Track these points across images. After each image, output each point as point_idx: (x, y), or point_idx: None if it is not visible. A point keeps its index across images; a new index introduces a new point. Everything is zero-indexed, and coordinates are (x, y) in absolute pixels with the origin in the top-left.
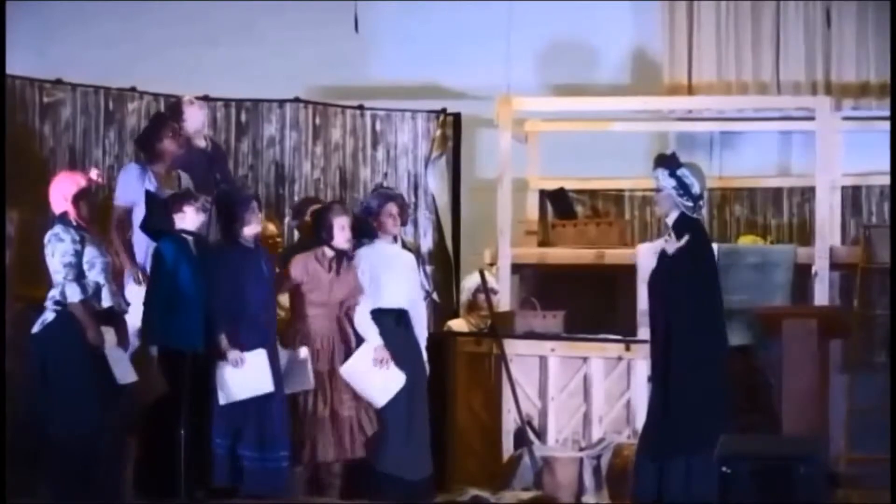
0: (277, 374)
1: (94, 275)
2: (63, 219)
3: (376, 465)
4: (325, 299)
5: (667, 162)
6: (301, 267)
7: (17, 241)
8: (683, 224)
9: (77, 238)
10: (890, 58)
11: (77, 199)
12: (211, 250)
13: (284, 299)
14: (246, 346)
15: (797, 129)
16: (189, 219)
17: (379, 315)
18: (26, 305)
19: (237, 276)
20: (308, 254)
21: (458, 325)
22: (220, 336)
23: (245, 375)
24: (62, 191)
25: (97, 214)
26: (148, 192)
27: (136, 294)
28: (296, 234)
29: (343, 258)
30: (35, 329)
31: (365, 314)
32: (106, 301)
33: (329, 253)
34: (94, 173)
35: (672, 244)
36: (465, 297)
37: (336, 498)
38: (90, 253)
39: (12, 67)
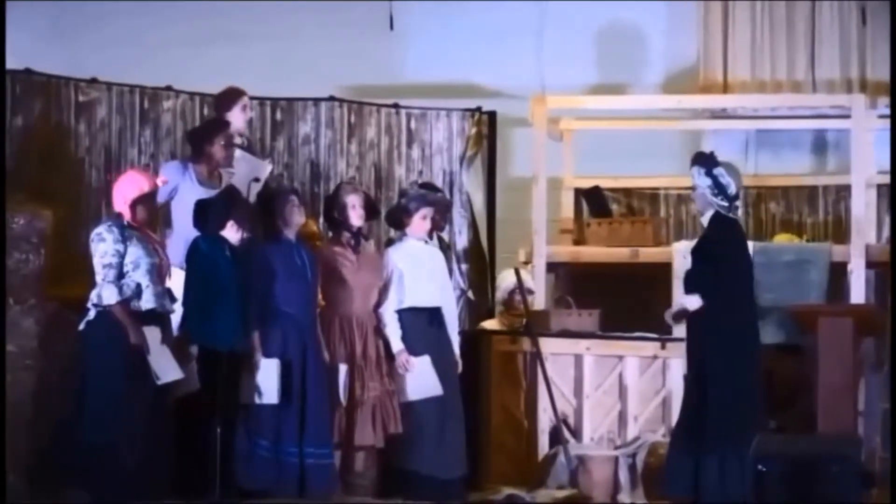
0: (320, 374)
1: (138, 275)
2: (113, 218)
3: (410, 464)
4: (353, 280)
5: (703, 161)
6: (328, 247)
7: (51, 240)
8: (718, 223)
9: (120, 238)
10: (890, 57)
11: (136, 202)
12: (256, 247)
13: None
14: (283, 344)
15: (832, 127)
16: (236, 235)
17: (411, 314)
18: (60, 305)
19: (283, 269)
20: (328, 241)
21: (491, 326)
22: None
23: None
24: (123, 192)
25: (155, 218)
26: (231, 187)
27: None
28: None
29: (360, 237)
30: (81, 327)
31: (390, 316)
32: (148, 303)
33: (346, 234)
34: (159, 180)
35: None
36: (500, 296)
37: (370, 497)
38: (134, 253)
39: (43, 65)
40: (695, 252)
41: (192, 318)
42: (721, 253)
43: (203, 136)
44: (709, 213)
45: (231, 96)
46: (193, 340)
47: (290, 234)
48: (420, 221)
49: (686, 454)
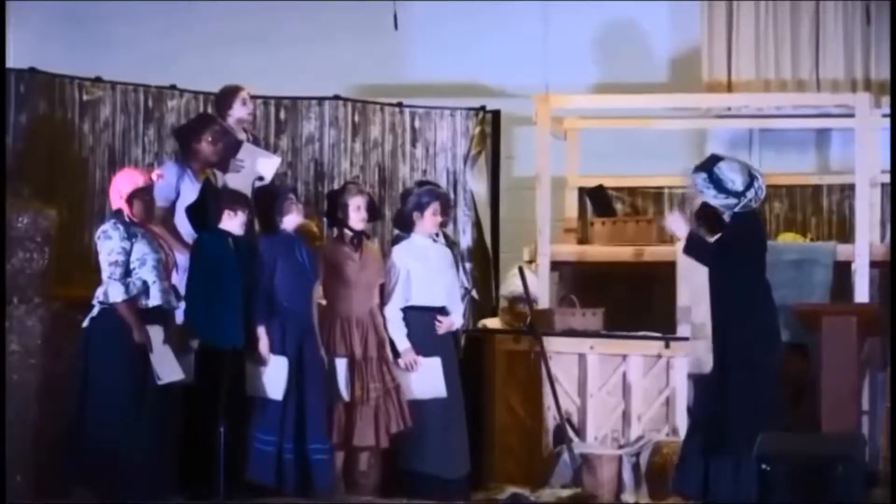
0: (317, 370)
1: (145, 272)
2: (117, 216)
3: (414, 464)
4: (355, 278)
5: (699, 168)
6: (330, 245)
7: (55, 239)
8: (738, 220)
9: (126, 235)
10: (890, 58)
11: (132, 197)
12: (259, 240)
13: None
14: (282, 340)
15: (836, 126)
16: (236, 222)
17: (416, 313)
18: (64, 304)
19: (283, 264)
20: (331, 238)
21: (493, 324)
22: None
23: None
24: (119, 188)
25: (153, 212)
26: (208, 181)
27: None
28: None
29: (362, 238)
30: (84, 324)
31: (395, 315)
32: (154, 299)
33: (347, 234)
34: (154, 174)
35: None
36: (503, 304)
37: (373, 496)
38: (141, 250)
39: (48, 64)
40: (720, 246)
41: (195, 314)
42: (743, 252)
43: (189, 134)
44: (728, 212)
45: (229, 92)
46: (197, 336)
47: (289, 229)
48: (431, 217)
49: (701, 452)
